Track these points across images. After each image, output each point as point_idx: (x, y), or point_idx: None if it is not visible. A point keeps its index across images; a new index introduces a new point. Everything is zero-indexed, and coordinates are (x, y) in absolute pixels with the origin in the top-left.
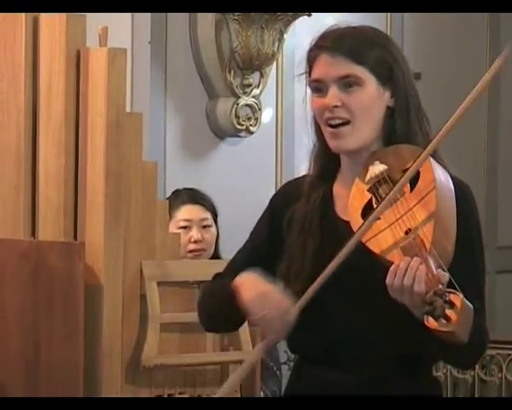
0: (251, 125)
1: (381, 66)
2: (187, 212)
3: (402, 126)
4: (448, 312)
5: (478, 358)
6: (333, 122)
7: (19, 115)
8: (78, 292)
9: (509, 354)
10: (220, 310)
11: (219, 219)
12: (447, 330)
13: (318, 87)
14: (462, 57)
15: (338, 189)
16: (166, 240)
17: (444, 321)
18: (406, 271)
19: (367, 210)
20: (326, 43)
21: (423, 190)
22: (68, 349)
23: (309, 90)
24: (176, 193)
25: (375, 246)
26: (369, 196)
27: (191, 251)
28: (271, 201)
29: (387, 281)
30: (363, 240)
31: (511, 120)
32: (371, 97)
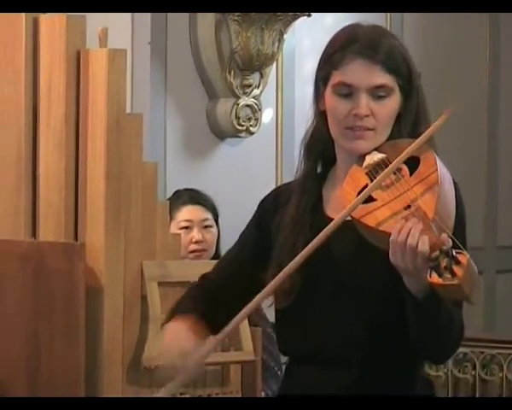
0: (251, 125)
1: (406, 76)
2: (188, 212)
3: (409, 132)
4: (454, 267)
5: (454, 350)
6: (358, 129)
7: (19, 116)
8: (79, 293)
9: (510, 354)
10: None
11: (220, 220)
12: (453, 284)
13: (346, 92)
14: (462, 58)
15: (328, 190)
16: (167, 241)
17: (449, 275)
18: (410, 230)
19: None
20: (361, 48)
21: (424, 172)
22: (69, 350)
23: (328, 89)
24: (177, 194)
25: (371, 220)
26: (365, 181)
27: (192, 251)
28: (260, 206)
29: (391, 239)
30: (357, 216)
31: (510, 124)
32: (396, 107)
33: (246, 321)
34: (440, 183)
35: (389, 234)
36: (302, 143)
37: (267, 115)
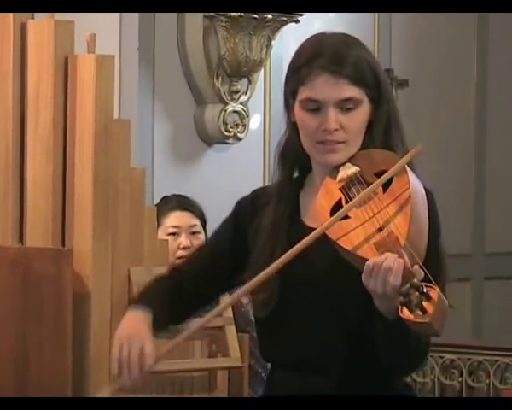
0: (239, 131)
1: (374, 85)
2: (176, 218)
3: (381, 139)
4: (425, 304)
5: (419, 365)
6: (328, 143)
7: (7, 122)
8: (67, 298)
9: (497, 361)
10: None
11: (208, 226)
12: (423, 322)
13: (314, 107)
14: (450, 64)
15: (305, 197)
16: (155, 246)
17: (419, 313)
18: (383, 263)
19: (336, 210)
20: (326, 62)
21: (397, 190)
22: (57, 355)
23: (296, 104)
24: (164, 199)
25: (347, 243)
26: (339, 195)
27: (180, 258)
28: (237, 206)
29: (364, 271)
30: (334, 238)
31: (498, 132)
32: (365, 117)
33: (233, 327)
34: (413, 202)
35: (365, 259)
36: (276, 151)
37: (255, 121)
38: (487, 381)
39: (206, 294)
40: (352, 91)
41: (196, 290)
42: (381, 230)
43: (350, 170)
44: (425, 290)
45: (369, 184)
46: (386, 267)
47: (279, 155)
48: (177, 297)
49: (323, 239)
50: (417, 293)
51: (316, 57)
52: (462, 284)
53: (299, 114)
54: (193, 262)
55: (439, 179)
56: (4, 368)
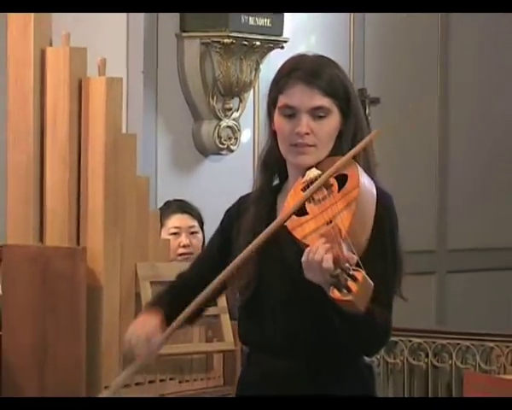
0: (231, 144)
1: (344, 98)
2: (177, 220)
3: (347, 148)
4: (350, 283)
5: (380, 345)
6: (300, 145)
7: (28, 136)
8: (81, 291)
9: (458, 344)
10: None
11: (205, 227)
12: (347, 299)
13: (290, 113)
14: (416, 83)
15: (281, 199)
16: (158, 245)
17: (345, 291)
18: (316, 250)
19: (300, 208)
20: (302, 75)
21: (348, 188)
22: (72, 342)
23: (276, 111)
24: (167, 204)
25: (299, 233)
26: (301, 195)
27: (180, 254)
28: (225, 215)
29: (302, 259)
30: (290, 228)
31: (459, 138)
32: (335, 125)
33: (227, 315)
34: (359, 200)
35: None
36: (259, 160)
37: (245, 135)
38: (450, 362)
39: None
40: (323, 101)
41: (198, 291)
42: (329, 223)
43: (313, 173)
44: (351, 273)
45: (327, 186)
46: (318, 257)
47: (261, 163)
48: (183, 298)
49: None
50: (345, 275)
51: (294, 70)
52: (427, 277)
53: (277, 120)
54: (192, 269)
55: (405, 183)
56: (25, 356)
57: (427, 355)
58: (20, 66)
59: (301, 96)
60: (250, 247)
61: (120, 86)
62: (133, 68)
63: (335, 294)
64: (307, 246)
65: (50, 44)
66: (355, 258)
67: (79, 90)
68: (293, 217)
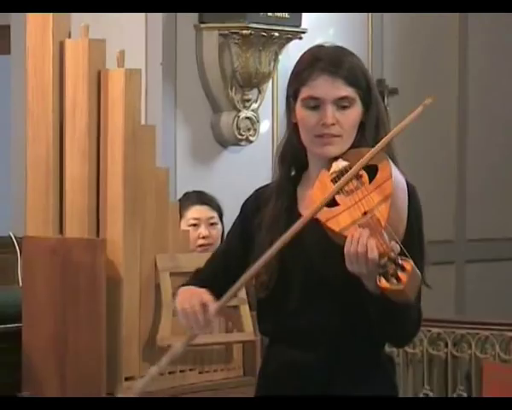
0: (250, 135)
1: (365, 88)
2: (196, 211)
3: (371, 137)
4: (400, 273)
5: (412, 337)
6: (325, 136)
7: (48, 129)
8: (101, 283)
9: (477, 333)
10: None
11: (224, 218)
12: (397, 289)
13: (314, 104)
14: (435, 73)
15: (302, 190)
16: (178, 236)
17: (395, 281)
18: (359, 239)
19: (329, 200)
20: (324, 65)
21: (380, 180)
22: (92, 333)
23: (298, 104)
24: (186, 195)
25: (335, 224)
26: (331, 187)
27: (200, 246)
28: (243, 207)
29: (345, 250)
30: (324, 219)
31: (479, 121)
32: (358, 116)
33: (247, 306)
34: (393, 192)
35: None
36: (277, 151)
37: (264, 126)
38: (469, 351)
39: (224, 288)
40: (346, 91)
41: (215, 286)
42: (365, 214)
43: (341, 164)
44: (400, 262)
45: (357, 177)
46: (361, 248)
47: (279, 155)
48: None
49: (315, 225)
50: (393, 265)
51: (316, 61)
52: (446, 267)
53: (300, 112)
54: (211, 263)
55: (423, 174)
56: (46, 348)
57: (446, 345)
58: (39, 58)
59: (325, 86)
60: (282, 238)
61: (139, 78)
62: (152, 60)
63: (383, 283)
64: (345, 237)
65: (69, 37)
66: (398, 247)
67: (98, 83)
68: (324, 208)
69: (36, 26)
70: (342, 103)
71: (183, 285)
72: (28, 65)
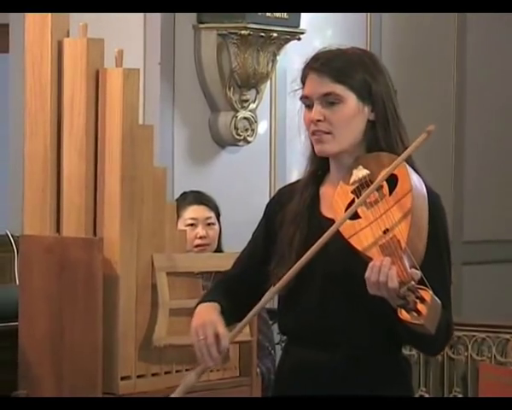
0: (248, 135)
1: (361, 85)
2: (193, 211)
3: (383, 137)
4: (419, 306)
5: (444, 346)
6: (316, 133)
7: (45, 126)
8: (98, 281)
9: (474, 336)
10: None
11: (221, 218)
12: (418, 323)
13: (307, 102)
14: (433, 74)
15: (324, 190)
16: (174, 236)
17: (415, 314)
18: (380, 269)
19: None
20: (316, 65)
21: (400, 193)
22: (89, 332)
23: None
24: (183, 195)
25: (357, 243)
26: (352, 196)
27: (197, 246)
28: (267, 206)
29: (366, 277)
30: (347, 236)
31: (477, 123)
32: (351, 112)
33: None
34: (413, 206)
35: (372, 260)
36: (306, 150)
37: (262, 127)
38: (466, 353)
39: (252, 285)
40: (332, 87)
41: (243, 287)
42: (386, 231)
43: (361, 172)
44: (420, 294)
45: (377, 188)
46: (383, 278)
47: (308, 155)
48: (232, 295)
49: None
50: (413, 296)
51: (311, 62)
52: None
53: (302, 111)
54: (238, 264)
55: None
56: (42, 346)
57: None
58: (38, 57)
59: (313, 84)
60: (307, 254)
61: (137, 77)
62: (150, 60)
63: (404, 315)
64: (369, 258)
65: (68, 36)
66: (419, 274)
67: (96, 82)
68: (347, 221)
69: (34, 25)
70: (329, 100)
71: (205, 296)
72: (27, 63)
